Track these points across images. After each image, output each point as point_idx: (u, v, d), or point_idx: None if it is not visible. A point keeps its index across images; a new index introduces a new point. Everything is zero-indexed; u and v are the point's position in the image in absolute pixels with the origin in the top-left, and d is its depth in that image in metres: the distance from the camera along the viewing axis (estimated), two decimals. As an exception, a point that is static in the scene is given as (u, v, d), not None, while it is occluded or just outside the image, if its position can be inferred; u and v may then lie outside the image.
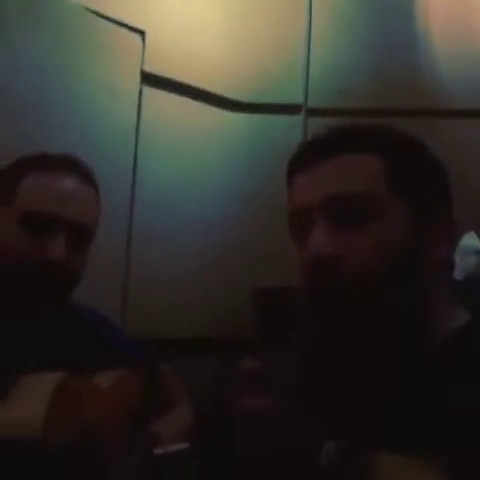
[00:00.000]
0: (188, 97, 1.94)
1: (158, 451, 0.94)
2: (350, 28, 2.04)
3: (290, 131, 2.00)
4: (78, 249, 1.09)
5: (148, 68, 1.87)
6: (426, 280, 0.75)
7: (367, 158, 0.76)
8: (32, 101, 1.61)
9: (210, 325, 1.88)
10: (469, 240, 1.63)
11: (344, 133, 0.80)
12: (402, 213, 0.74)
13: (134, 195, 1.82)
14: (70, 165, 1.12)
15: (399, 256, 0.73)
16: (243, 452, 0.66)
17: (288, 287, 0.67)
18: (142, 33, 1.87)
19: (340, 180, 0.76)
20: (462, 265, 1.60)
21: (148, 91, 1.87)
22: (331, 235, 0.74)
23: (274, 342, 0.65)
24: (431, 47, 1.99)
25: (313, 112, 2.02)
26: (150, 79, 1.87)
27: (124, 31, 1.83)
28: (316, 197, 0.76)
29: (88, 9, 1.74)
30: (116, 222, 1.73)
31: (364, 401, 0.69)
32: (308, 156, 0.80)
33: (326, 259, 0.73)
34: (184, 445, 0.96)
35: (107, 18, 1.78)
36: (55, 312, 1.10)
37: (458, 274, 1.59)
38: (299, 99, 2.02)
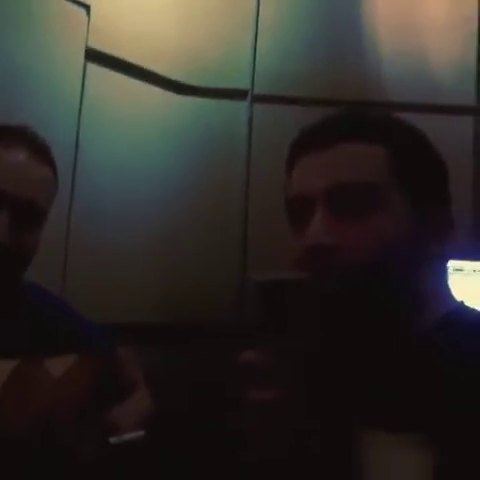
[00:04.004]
0: (133, 76, 1.89)
1: (113, 440, 0.92)
2: (298, 17, 2.05)
3: (235, 116, 2.00)
4: (28, 229, 1.01)
5: (93, 44, 1.80)
6: (421, 272, 0.76)
7: (371, 147, 0.76)
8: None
9: (151, 311, 1.86)
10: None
11: (349, 120, 0.80)
12: (402, 204, 0.75)
13: (75, 174, 1.76)
14: (21, 137, 1.04)
15: (397, 247, 0.74)
16: (245, 446, 0.65)
17: (290, 278, 0.66)
18: (87, 7, 1.81)
19: (343, 168, 0.75)
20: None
21: (92, 68, 1.81)
22: (330, 224, 0.74)
23: (276, 333, 0.64)
24: (377, 41, 2.02)
25: (259, 98, 2.01)
26: (95, 56, 1.81)
27: (68, 4, 1.77)
28: (318, 185, 0.75)
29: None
30: (56, 203, 1.67)
31: (357, 383, 0.69)
32: (311, 141, 0.79)
33: (324, 249, 0.73)
34: (140, 433, 0.94)
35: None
36: (4, 294, 1.04)
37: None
38: (246, 85, 2.02)
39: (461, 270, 1.79)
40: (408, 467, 0.63)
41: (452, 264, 1.75)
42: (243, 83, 2.02)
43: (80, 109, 1.78)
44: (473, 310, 0.80)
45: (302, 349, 0.63)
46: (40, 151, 1.05)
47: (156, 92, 1.95)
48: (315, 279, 0.67)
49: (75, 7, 1.79)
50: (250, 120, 1.99)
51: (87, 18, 1.80)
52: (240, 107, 2.01)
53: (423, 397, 0.65)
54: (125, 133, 1.88)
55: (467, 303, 0.81)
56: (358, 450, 0.63)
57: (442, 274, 0.81)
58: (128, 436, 0.94)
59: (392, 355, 0.72)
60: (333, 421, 0.64)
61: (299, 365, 0.63)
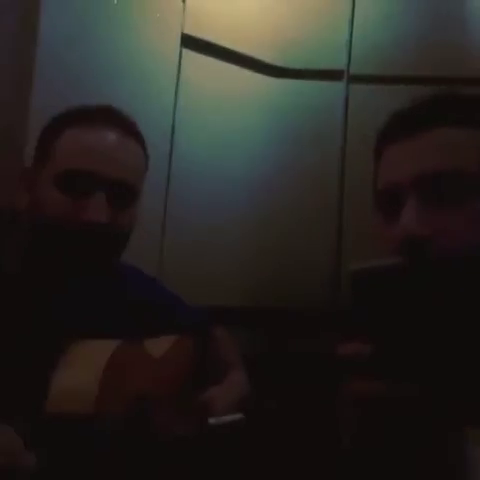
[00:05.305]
0: (228, 61, 1.89)
1: (212, 421, 0.93)
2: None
3: (332, 97, 1.96)
4: (123, 209, 1.03)
5: (188, 30, 1.82)
6: None
7: (464, 132, 0.72)
8: (76, 58, 1.59)
9: (246, 294, 1.87)
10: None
11: (439, 104, 0.75)
12: None
13: (171, 160, 1.79)
14: (111, 118, 1.05)
15: None
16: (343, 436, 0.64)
17: (388, 265, 0.64)
18: (183, -6, 1.82)
19: (435, 157, 0.72)
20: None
21: (188, 54, 1.82)
22: (422, 214, 0.71)
23: (374, 323, 0.62)
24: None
25: (355, 78, 1.96)
26: (190, 42, 1.82)
27: (165, -9, 1.79)
28: (408, 173, 0.72)
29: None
30: (153, 189, 1.70)
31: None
32: (400, 128, 0.76)
33: (417, 239, 0.70)
34: (239, 415, 0.95)
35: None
36: (104, 275, 1.06)
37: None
38: (342, 65, 1.97)
39: None
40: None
41: None
42: (339, 63, 1.97)
43: (176, 95, 1.80)
44: None
45: (402, 338, 0.61)
46: (128, 129, 1.06)
47: (251, 76, 1.94)
48: (411, 267, 0.64)
49: (171, -6, 1.80)
50: (347, 101, 1.95)
51: (183, 4, 1.81)
52: (337, 88, 1.96)
53: None
54: (221, 118, 1.89)
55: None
56: (463, 448, 0.60)
57: None
58: (227, 418, 0.95)
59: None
60: (437, 416, 0.61)
61: (399, 354, 0.61)
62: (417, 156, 0.73)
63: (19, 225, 1.06)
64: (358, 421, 0.67)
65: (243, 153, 1.92)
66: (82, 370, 0.89)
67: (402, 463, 0.65)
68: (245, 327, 1.71)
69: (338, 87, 1.97)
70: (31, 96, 1.49)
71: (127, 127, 1.06)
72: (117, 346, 0.93)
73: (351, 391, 0.61)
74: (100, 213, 0.98)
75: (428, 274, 0.63)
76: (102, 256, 1.03)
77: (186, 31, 1.82)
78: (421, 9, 1.96)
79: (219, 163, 1.88)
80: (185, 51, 1.82)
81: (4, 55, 1.54)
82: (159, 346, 1.02)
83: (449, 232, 0.70)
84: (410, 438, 0.63)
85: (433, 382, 0.61)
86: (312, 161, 1.95)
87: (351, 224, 1.90)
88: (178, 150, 1.80)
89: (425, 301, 0.61)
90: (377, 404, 0.61)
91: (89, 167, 0.99)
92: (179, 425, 0.93)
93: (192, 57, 1.83)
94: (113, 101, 1.58)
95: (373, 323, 0.62)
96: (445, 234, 0.70)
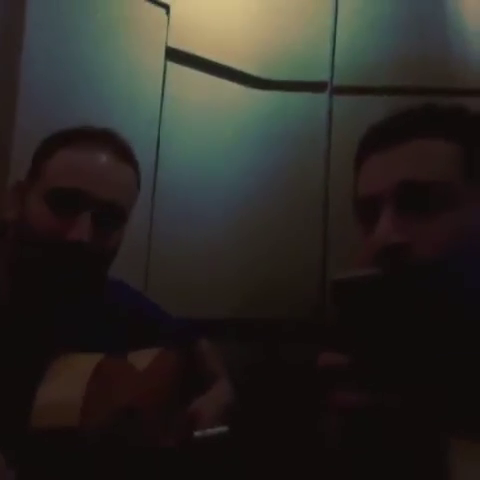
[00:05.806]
0: (212, 73, 1.90)
1: (197, 434, 0.93)
2: (378, 6, 2.00)
3: (315, 109, 1.97)
4: (109, 230, 1.03)
5: (172, 44, 1.83)
6: None
7: (442, 143, 0.73)
8: (60, 71, 1.59)
9: (233, 306, 1.87)
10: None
11: (417, 115, 0.77)
12: (477, 203, 0.72)
13: (156, 172, 1.79)
14: (105, 140, 1.06)
15: (470, 245, 0.70)
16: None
17: (366, 275, 0.64)
18: (167, 7, 1.83)
19: (412, 167, 0.73)
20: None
21: (172, 67, 1.83)
22: (399, 223, 0.72)
23: (357, 333, 0.63)
24: (462, 26, 1.94)
25: (338, 90, 1.98)
26: (174, 55, 1.83)
27: (148, 5, 1.80)
28: (385, 184, 0.74)
29: (113, -18, 1.71)
30: (138, 201, 1.70)
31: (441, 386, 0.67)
32: (379, 139, 0.77)
33: (393, 248, 0.71)
34: (224, 428, 0.95)
35: (132, -9, 1.75)
36: (87, 292, 1.06)
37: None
38: (325, 76, 1.98)
39: None
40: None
41: None
42: (322, 75, 1.99)
43: (161, 108, 1.80)
44: None
45: (381, 349, 0.61)
46: (122, 152, 1.07)
47: (236, 88, 1.94)
48: (389, 276, 0.65)
49: (155, 7, 1.81)
50: (330, 112, 1.96)
51: (167, 17, 1.82)
52: (320, 99, 1.98)
53: None
54: (206, 129, 1.90)
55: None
56: (448, 460, 0.60)
57: None
58: (212, 431, 0.95)
59: (472, 357, 0.69)
60: (421, 427, 0.61)
61: (380, 364, 0.61)
62: (394, 166, 0.74)
63: (7, 237, 1.06)
64: (343, 431, 0.67)
65: (228, 165, 1.93)
66: (66, 384, 0.88)
67: (387, 471, 0.65)
68: (232, 339, 1.71)
69: (322, 98, 1.98)
70: (16, 108, 1.49)
71: (121, 150, 1.07)
72: (101, 359, 0.93)
73: (333, 401, 0.61)
74: (83, 232, 0.98)
75: (406, 283, 0.64)
76: (83, 275, 1.02)
77: (170, 44, 1.83)
78: (403, 21, 1.98)
79: (204, 175, 1.88)
80: (170, 64, 1.83)
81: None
82: (143, 359, 1.03)
83: (425, 241, 0.71)
84: (394, 447, 0.64)
85: (414, 391, 0.61)
86: (296, 172, 1.96)
87: (336, 235, 1.90)
88: (163, 162, 1.80)
89: (404, 310, 0.62)
90: (360, 414, 0.61)
91: (76, 186, 1.00)
92: (164, 438, 0.93)
93: (177, 70, 1.84)
94: (97, 114, 1.60)
95: (354, 333, 0.63)
96: (421, 243, 0.71)
